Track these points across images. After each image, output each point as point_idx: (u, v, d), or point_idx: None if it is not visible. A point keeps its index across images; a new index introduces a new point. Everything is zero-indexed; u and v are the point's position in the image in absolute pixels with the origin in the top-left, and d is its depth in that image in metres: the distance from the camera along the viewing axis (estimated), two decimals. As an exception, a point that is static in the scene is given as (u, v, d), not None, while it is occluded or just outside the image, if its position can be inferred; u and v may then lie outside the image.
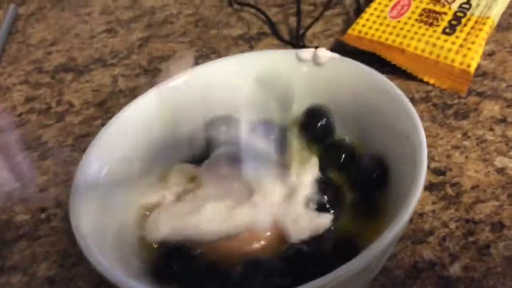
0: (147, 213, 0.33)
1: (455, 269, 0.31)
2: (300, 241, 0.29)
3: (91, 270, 0.36)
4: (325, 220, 0.30)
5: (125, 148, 0.35)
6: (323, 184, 0.31)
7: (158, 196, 0.33)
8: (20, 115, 0.52)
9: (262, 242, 0.29)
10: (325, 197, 0.31)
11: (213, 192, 0.31)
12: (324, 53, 0.35)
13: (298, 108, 0.36)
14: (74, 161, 0.45)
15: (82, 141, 0.47)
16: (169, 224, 0.30)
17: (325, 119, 0.35)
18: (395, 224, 0.25)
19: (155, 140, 0.36)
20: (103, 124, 0.36)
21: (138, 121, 0.35)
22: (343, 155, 0.33)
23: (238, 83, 0.36)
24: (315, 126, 0.35)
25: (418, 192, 0.26)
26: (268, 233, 0.30)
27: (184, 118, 0.36)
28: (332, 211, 0.30)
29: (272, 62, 0.37)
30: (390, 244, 0.25)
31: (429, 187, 0.36)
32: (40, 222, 0.41)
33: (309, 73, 0.36)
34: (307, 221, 0.29)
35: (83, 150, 0.45)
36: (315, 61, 0.36)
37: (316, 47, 0.36)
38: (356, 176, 0.32)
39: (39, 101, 0.54)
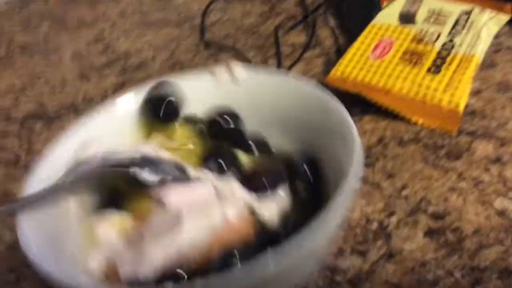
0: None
1: (465, 322, 0.29)
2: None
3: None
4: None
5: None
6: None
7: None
8: (-14, 165, 0.49)
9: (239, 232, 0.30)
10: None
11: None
12: (241, 70, 0.37)
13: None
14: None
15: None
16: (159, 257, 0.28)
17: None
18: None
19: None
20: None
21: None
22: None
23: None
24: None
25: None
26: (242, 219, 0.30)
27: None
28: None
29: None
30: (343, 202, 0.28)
31: (429, 233, 0.34)
32: (9, 284, 0.37)
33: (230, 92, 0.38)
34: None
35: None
36: (234, 80, 0.37)
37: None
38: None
39: (6, 151, 0.51)
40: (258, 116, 0.37)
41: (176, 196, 0.30)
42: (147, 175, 0.31)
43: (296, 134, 0.36)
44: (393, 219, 0.36)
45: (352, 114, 0.44)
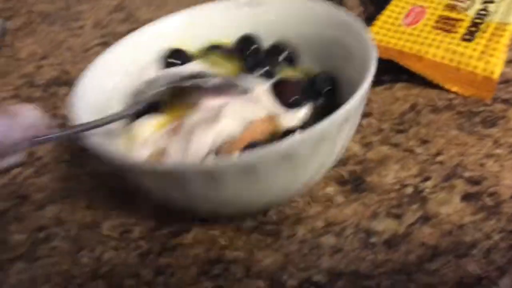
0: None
1: (505, 283, 0.29)
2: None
3: (99, 293, 0.32)
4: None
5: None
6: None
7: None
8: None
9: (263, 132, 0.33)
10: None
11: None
12: None
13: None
14: (73, 176, 0.42)
15: (80, 156, 0.44)
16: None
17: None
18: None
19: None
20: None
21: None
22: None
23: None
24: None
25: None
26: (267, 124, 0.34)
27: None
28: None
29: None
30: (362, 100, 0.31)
31: (466, 197, 0.34)
32: (38, 242, 0.37)
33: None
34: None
35: (82, 166, 0.43)
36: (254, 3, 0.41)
37: None
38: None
39: (31, 115, 0.51)
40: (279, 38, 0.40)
41: (216, 99, 0.35)
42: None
43: (316, 54, 0.39)
44: (429, 184, 0.35)
45: (383, 81, 0.44)
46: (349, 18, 0.37)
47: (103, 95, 0.36)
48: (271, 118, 0.34)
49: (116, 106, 0.37)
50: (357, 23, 0.36)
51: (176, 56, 0.40)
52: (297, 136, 0.29)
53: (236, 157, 0.30)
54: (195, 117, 0.34)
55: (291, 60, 0.40)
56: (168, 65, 0.40)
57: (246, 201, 0.31)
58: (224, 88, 0.35)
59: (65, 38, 0.64)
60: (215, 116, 0.33)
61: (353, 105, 0.29)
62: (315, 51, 0.39)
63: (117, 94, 0.37)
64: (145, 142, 0.34)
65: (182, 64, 0.39)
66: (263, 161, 0.28)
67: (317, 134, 0.28)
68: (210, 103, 0.35)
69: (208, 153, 0.32)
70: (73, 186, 0.41)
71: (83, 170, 0.42)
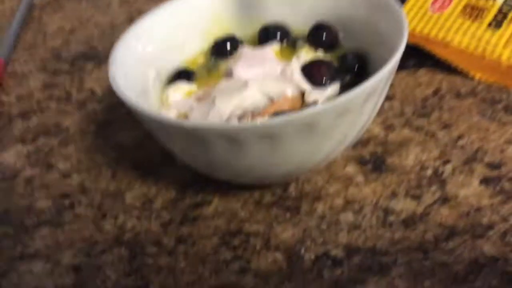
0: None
1: (521, 265, 0.29)
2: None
3: (120, 258, 0.33)
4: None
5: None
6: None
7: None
8: (38, 102, 0.50)
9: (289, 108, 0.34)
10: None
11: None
12: None
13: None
14: (98, 147, 0.43)
15: (105, 128, 0.45)
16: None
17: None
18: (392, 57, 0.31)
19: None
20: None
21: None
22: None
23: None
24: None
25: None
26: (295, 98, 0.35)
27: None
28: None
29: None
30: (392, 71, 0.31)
31: (484, 181, 0.34)
32: (63, 208, 0.38)
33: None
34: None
35: (107, 137, 0.44)
36: None
37: None
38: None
39: (58, 88, 0.52)
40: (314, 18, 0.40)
41: (246, 69, 0.36)
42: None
43: (350, 33, 0.39)
44: (448, 167, 0.36)
45: (408, 66, 0.45)
46: None
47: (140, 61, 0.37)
48: (299, 97, 0.35)
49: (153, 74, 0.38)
50: (392, 2, 0.36)
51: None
52: (320, 106, 0.29)
53: (257, 121, 0.30)
54: (222, 86, 0.35)
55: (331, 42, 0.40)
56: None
57: (266, 168, 0.32)
58: (259, 60, 0.36)
59: (92, 15, 0.65)
60: (241, 87, 0.34)
61: (377, 80, 0.29)
62: (349, 30, 0.39)
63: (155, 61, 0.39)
64: (173, 106, 0.35)
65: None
66: (284, 128, 0.28)
67: (340, 105, 0.29)
68: (242, 74, 0.36)
69: (228, 119, 0.33)
70: (97, 157, 0.42)
71: (108, 141, 0.43)
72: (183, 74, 0.38)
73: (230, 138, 0.28)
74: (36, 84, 0.53)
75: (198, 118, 0.34)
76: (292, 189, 0.36)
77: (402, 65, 0.43)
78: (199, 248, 0.33)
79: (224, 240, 0.34)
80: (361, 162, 0.37)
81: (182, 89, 0.37)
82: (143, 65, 0.37)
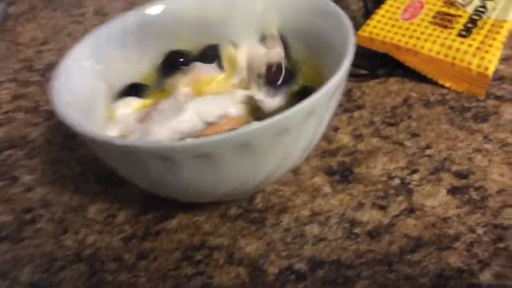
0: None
1: (485, 276, 0.29)
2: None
3: (80, 274, 0.32)
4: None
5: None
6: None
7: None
8: (6, 113, 0.49)
9: (236, 125, 0.32)
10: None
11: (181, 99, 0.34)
12: None
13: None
14: (63, 160, 0.42)
15: (71, 140, 0.44)
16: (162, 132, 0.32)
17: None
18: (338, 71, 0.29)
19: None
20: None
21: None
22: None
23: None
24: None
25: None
26: (240, 118, 0.33)
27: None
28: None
29: None
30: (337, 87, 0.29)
31: (452, 190, 0.34)
32: (24, 223, 0.37)
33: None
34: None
35: (73, 150, 0.43)
36: None
37: None
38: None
39: (27, 99, 0.51)
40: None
41: (186, 89, 0.35)
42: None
43: (304, 43, 0.38)
44: (416, 176, 0.35)
45: (378, 75, 0.44)
46: (330, 6, 0.36)
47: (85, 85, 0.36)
48: (244, 117, 0.33)
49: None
50: (337, 11, 0.35)
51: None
52: (255, 125, 0.27)
53: (190, 141, 0.28)
54: (161, 107, 0.34)
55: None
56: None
57: (206, 188, 0.30)
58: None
59: (67, 25, 0.64)
60: (177, 111, 0.32)
61: (317, 98, 0.28)
62: (303, 40, 0.38)
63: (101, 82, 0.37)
64: (118, 122, 0.34)
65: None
66: (218, 147, 0.27)
67: (277, 124, 0.27)
68: (183, 90, 0.35)
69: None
70: (62, 169, 0.41)
71: (74, 154, 0.42)
72: (133, 89, 0.37)
73: (163, 157, 0.27)
74: (5, 95, 0.52)
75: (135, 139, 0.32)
76: (258, 201, 0.35)
77: (373, 74, 0.43)
78: (160, 263, 0.32)
79: (187, 254, 0.33)
80: (329, 172, 0.37)
81: (131, 105, 0.35)
82: (93, 80, 0.36)
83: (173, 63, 0.38)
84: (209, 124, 0.32)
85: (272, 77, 0.35)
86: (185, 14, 0.40)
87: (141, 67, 0.39)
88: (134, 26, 0.39)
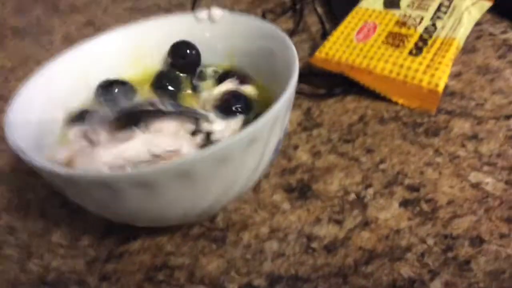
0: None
1: (435, 285, 0.30)
2: None
3: (44, 299, 0.33)
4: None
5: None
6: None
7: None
8: (-28, 142, 0.49)
9: None
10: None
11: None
12: (218, 12, 0.41)
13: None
14: (29, 186, 0.42)
15: (38, 166, 0.44)
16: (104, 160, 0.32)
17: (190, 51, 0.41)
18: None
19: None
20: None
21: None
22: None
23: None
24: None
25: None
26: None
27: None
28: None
29: (173, 26, 0.42)
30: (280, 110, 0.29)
31: (404, 203, 0.35)
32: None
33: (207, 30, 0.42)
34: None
35: (38, 176, 0.43)
36: (211, 19, 0.41)
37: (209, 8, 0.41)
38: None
39: (-7, 127, 0.51)
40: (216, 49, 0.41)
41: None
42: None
43: (256, 65, 0.39)
44: (370, 191, 0.36)
45: (335, 94, 0.46)
46: (275, 30, 0.37)
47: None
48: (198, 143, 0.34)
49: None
50: (281, 34, 0.36)
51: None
52: (194, 154, 0.27)
53: (130, 170, 0.29)
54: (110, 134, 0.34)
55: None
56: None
57: (150, 215, 0.30)
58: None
59: (35, 52, 0.65)
60: (126, 138, 0.32)
61: (258, 126, 0.28)
62: (255, 63, 0.39)
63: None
64: (67, 144, 0.35)
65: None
66: (158, 176, 0.27)
67: (216, 153, 0.27)
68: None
69: (110, 168, 0.31)
70: (28, 195, 0.42)
71: (39, 180, 0.43)
72: (84, 113, 0.37)
73: (104, 185, 0.27)
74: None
75: (82, 163, 0.32)
76: (219, 219, 0.36)
77: (330, 93, 0.45)
78: (122, 285, 0.33)
79: (149, 275, 0.33)
80: (288, 189, 0.38)
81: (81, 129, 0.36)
82: (47, 108, 0.36)
83: (109, 91, 0.39)
84: (155, 157, 0.32)
85: (228, 104, 0.35)
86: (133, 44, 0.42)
87: (91, 94, 0.40)
88: (82, 57, 0.40)
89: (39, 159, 0.29)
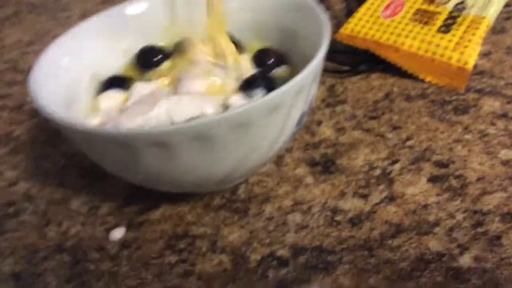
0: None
1: (465, 260, 0.29)
2: None
3: (62, 264, 0.32)
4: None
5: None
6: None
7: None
8: (-10, 111, 0.49)
9: None
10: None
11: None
12: None
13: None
14: (47, 156, 0.42)
15: (55, 137, 0.44)
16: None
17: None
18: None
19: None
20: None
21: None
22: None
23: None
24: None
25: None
26: None
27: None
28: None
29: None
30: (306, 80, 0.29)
31: (432, 179, 0.34)
32: (8, 216, 0.37)
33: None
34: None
35: (56, 146, 0.43)
36: None
37: None
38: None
39: (11, 98, 0.51)
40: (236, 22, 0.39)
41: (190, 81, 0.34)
42: None
43: (271, 36, 0.38)
44: (396, 166, 0.35)
45: (360, 71, 0.45)
46: (307, 2, 0.36)
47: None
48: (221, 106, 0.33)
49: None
50: (312, 3, 0.35)
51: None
52: (212, 116, 0.26)
53: (149, 128, 0.28)
54: (138, 99, 0.34)
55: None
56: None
57: (164, 177, 0.30)
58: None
59: (52, 28, 0.64)
60: (149, 106, 0.32)
61: (282, 93, 0.27)
62: (280, 36, 0.38)
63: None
64: (99, 113, 0.34)
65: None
66: (175, 136, 0.26)
67: (235, 117, 0.26)
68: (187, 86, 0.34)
69: None
70: (46, 164, 0.41)
71: (57, 150, 0.42)
72: (115, 82, 0.36)
73: (121, 142, 0.27)
74: (-10, 95, 0.52)
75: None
76: (241, 192, 0.36)
77: (355, 70, 0.44)
78: (143, 253, 0.32)
79: (170, 243, 0.33)
80: (311, 163, 0.37)
81: (114, 97, 0.35)
82: (72, 74, 0.35)
83: (147, 58, 0.39)
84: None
85: (262, 60, 0.35)
86: (165, 11, 0.40)
87: (122, 60, 0.39)
88: (114, 21, 0.39)
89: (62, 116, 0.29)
